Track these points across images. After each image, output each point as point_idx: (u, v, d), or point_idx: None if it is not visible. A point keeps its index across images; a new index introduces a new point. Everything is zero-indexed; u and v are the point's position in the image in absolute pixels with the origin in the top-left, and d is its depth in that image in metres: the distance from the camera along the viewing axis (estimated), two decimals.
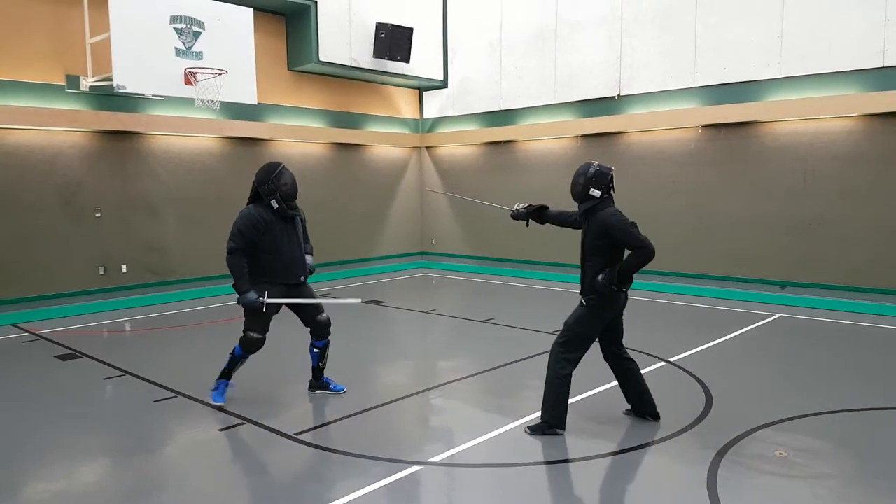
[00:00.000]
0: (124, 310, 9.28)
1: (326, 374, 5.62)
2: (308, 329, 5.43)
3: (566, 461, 4.26)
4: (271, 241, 5.05)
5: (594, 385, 5.57)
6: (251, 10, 9.39)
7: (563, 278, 11.45)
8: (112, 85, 8.11)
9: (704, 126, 10.02)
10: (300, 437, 4.63)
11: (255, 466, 4.38)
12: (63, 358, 6.81)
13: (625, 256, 4.51)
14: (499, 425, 4.79)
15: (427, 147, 13.95)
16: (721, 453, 4.25)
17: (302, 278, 5.22)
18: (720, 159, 9.99)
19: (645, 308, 9.20)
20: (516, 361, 6.49)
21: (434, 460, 4.23)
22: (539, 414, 4.69)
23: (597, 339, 4.72)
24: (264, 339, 5.19)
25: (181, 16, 8.60)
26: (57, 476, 4.13)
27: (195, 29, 8.72)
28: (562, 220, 5.01)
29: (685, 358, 6.51)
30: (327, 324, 5.41)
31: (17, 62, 8.59)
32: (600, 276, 4.40)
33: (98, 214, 9.37)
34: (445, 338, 8.02)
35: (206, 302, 9.65)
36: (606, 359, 4.83)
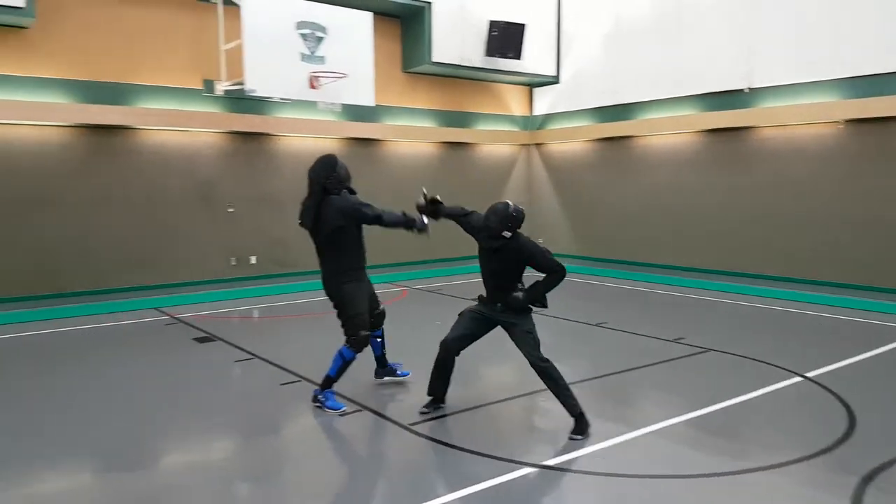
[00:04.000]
0: (253, 298, 9.94)
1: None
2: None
3: (688, 476, 4.07)
4: (360, 231, 5.23)
5: (716, 399, 5.35)
6: (370, 14, 9.75)
7: (683, 283, 11.07)
8: (243, 89, 8.70)
9: (847, 121, 9.24)
10: (414, 427, 4.80)
11: (371, 453, 4.60)
12: (200, 340, 7.42)
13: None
14: (613, 434, 4.66)
15: (536, 144, 13.90)
16: (866, 479, 3.87)
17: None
18: (866, 157, 9.14)
19: (779, 318, 8.55)
20: (632, 369, 6.29)
21: (546, 464, 4.22)
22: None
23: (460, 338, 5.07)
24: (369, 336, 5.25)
25: (306, 21, 9.07)
26: (193, 449, 4.56)
27: (318, 34, 9.17)
28: (454, 217, 5.24)
29: (824, 374, 5.97)
30: (384, 315, 5.62)
31: (161, 69, 9.42)
32: (520, 295, 4.82)
33: (231, 209, 10.11)
34: (555, 340, 7.92)
35: (321, 293, 10.11)
36: (454, 355, 5.04)
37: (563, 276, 4.80)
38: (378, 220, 5.10)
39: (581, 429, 4.65)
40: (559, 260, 4.86)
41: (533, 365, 4.80)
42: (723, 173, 10.78)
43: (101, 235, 9.12)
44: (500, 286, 4.90)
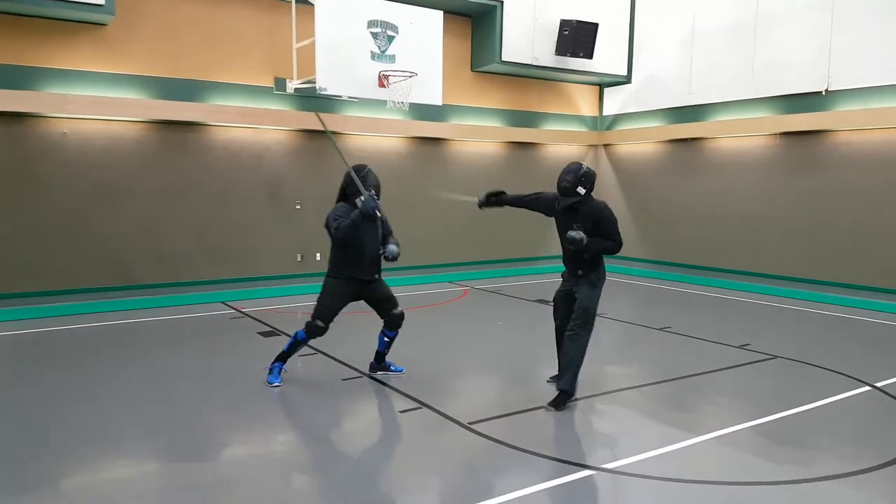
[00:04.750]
0: (317, 294, 10.10)
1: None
2: (383, 320, 5.77)
3: (752, 483, 3.97)
4: (358, 236, 5.38)
5: (782, 407, 5.16)
6: (441, 12, 9.77)
7: (753, 288, 10.67)
8: (315, 87, 8.85)
9: None
10: (473, 426, 4.77)
11: (431, 450, 4.58)
12: (264, 335, 7.58)
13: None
14: (676, 440, 4.58)
15: (605, 145, 13.63)
16: None
17: (376, 276, 5.60)
18: None
19: (848, 325, 8.34)
20: (696, 374, 6.15)
21: (605, 467, 4.15)
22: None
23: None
24: (328, 329, 5.56)
25: (378, 20, 9.16)
26: (257, 442, 4.64)
27: (389, 33, 9.25)
28: (522, 202, 5.63)
29: (894, 384, 5.79)
30: (401, 316, 5.73)
31: (235, 67, 9.68)
32: (581, 233, 5.02)
33: (298, 206, 10.32)
34: (616, 343, 7.80)
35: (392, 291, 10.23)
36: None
37: (618, 249, 5.20)
38: (335, 231, 5.32)
39: (558, 403, 5.09)
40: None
41: (567, 330, 5.23)
42: (797, 177, 10.35)
43: (171, 229, 9.43)
44: (574, 252, 5.17)
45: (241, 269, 9.98)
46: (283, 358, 5.72)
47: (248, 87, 9.76)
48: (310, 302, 9.62)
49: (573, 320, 5.22)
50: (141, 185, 9.18)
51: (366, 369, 6.10)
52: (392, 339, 5.87)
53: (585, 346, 5.22)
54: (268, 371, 5.76)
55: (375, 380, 5.85)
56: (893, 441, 4.52)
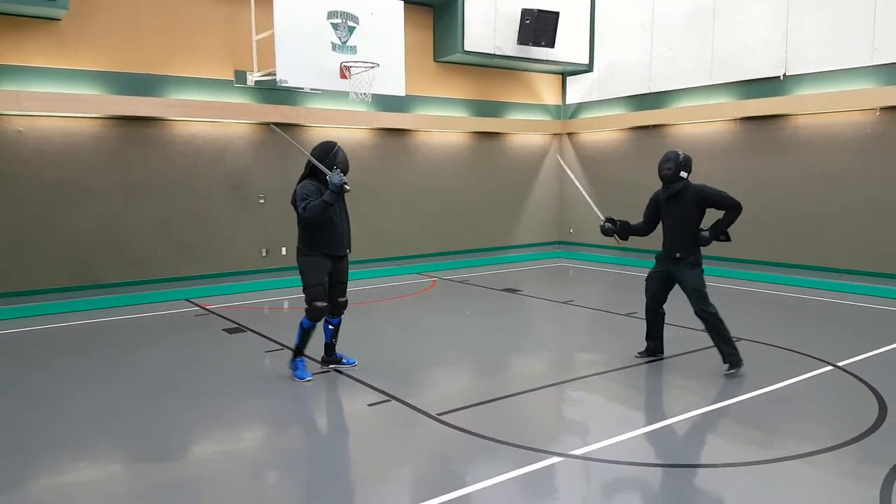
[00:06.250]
0: (283, 289, 10.00)
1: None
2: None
3: (715, 466, 4.06)
4: (328, 213, 5.38)
5: (746, 389, 5.28)
6: (402, 2, 9.68)
7: (716, 272, 10.84)
8: (275, 79, 8.72)
9: (883, 108, 9.05)
10: (442, 417, 4.77)
11: (400, 443, 4.57)
12: (229, 331, 7.47)
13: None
14: (642, 424, 4.67)
15: (568, 134, 13.72)
16: None
17: (347, 251, 5.66)
18: None
19: (810, 307, 8.55)
20: (662, 358, 6.24)
21: (574, 453, 4.19)
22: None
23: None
24: (328, 304, 5.57)
25: (338, 11, 9.04)
26: (223, 440, 4.57)
27: (350, 24, 9.14)
28: (638, 231, 6.06)
29: (855, 363, 5.95)
30: (345, 305, 5.81)
31: (193, 60, 9.47)
32: (705, 233, 5.53)
33: (262, 200, 10.17)
34: (584, 330, 7.89)
35: (355, 284, 10.15)
36: (654, 312, 6.00)
37: (741, 209, 5.54)
38: (303, 211, 5.30)
39: (734, 363, 5.51)
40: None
41: (697, 314, 5.58)
42: (757, 161, 10.55)
43: (133, 226, 9.21)
44: (685, 234, 5.62)
45: (206, 265, 9.81)
46: (299, 352, 5.66)
47: (207, 81, 9.56)
48: (276, 297, 9.63)
49: (694, 304, 5.56)
50: (101, 182, 8.94)
51: (334, 363, 6.04)
52: (336, 327, 5.84)
53: (718, 317, 5.53)
54: (293, 369, 5.67)
55: (342, 373, 5.80)
56: (853, 420, 4.63)
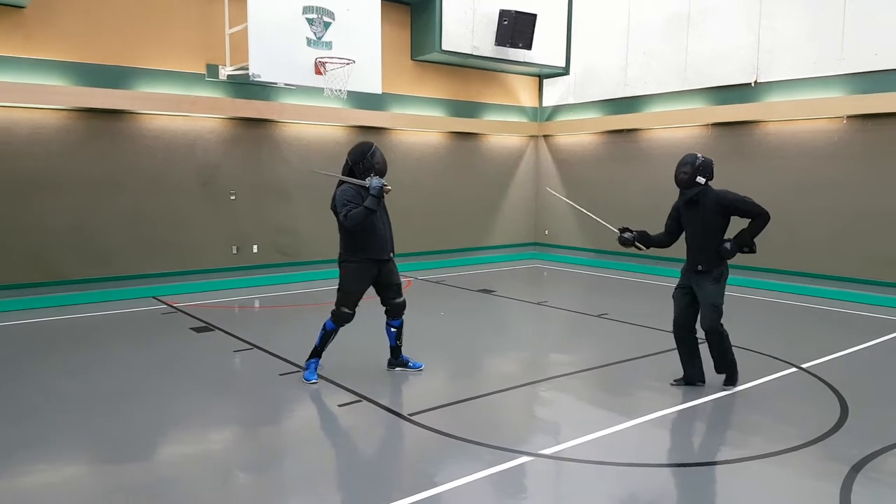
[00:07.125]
0: (254, 287, 9.87)
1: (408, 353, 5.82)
2: (384, 309, 5.67)
3: (684, 465, 4.09)
4: (370, 220, 5.25)
5: (712, 390, 5.34)
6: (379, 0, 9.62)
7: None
8: (248, 74, 8.59)
9: (850, 117, 9.23)
10: (413, 417, 4.73)
11: (371, 443, 4.52)
12: (198, 330, 7.34)
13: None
14: (612, 423, 4.67)
15: (545, 136, 13.76)
16: (857, 468, 3.94)
17: (391, 254, 5.52)
18: (866, 153, 9.15)
19: (778, 310, 8.68)
20: (632, 359, 6.28)
21: (544, 453, 4.18)
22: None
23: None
24: (354, 314, 5.44)
25: (313, 6, 8.95)
26: (190, 441, 4.47)
27: (326, 19, 9.05)
28: (658, 241, 5.58)
29: (818, 365, 6.05)
30: (403, 305, 5.66)
31: (165, 52, 9.29)
32: (727, 245, 5.07)
33: (233, 197, 10.01)
34: (557, 330, 7.90)
35: (331, 283, 9.97)
36: (685, 332, 5.36)
37: (768, 218, 5.05)
38: (344, 219, 5.18)
39: (733, 382, 5.29)
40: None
41: (705, 328, 5.16)
42: (728, 166, 10.68)
43: (100, 222, 9.00)
44: (706, 245, 5.16)
45: (174, 262, 9.62)
46: (317, 353, 5.53)
47: (179, 74, 9.39)
48: (247, 296, 9.49)
49: (706, 318, 5.13)
50: (67, 175, 8.72)
51: (302, 363, 5.96)
52: (399, 328, 5.71)
53: (726, 336, 5.20)
54: (304, 368, 5.57)
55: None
56: (816, 420, 4.71)
